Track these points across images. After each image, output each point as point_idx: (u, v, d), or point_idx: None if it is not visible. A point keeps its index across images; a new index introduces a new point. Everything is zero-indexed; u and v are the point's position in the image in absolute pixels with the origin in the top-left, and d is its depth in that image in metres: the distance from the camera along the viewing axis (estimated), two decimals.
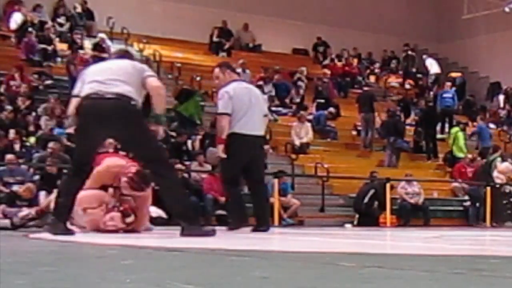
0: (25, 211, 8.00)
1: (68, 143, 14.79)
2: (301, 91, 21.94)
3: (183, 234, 5.93)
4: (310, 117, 20.09)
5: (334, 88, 23.15)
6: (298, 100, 21.56)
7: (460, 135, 20.57)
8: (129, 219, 6.91)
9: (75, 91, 6.44)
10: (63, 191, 6.43)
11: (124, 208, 6.96)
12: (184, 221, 6.07)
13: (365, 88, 21.88)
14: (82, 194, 6.76)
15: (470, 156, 19.79)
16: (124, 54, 6.92)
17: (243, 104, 7.93)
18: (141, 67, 6.48)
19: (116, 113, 6.02)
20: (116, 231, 6.93)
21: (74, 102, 6.36)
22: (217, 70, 8.32)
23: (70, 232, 6.21)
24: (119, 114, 6.03)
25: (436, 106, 22.20)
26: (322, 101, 21.33)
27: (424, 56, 27.04)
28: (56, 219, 6.30)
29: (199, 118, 18.00)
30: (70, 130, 6.54)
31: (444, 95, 23.13)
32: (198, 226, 6.26)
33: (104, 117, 6.02)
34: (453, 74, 26.31)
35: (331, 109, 20.87)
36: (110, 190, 7.15)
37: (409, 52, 27.46)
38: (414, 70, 27.34)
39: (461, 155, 20.10)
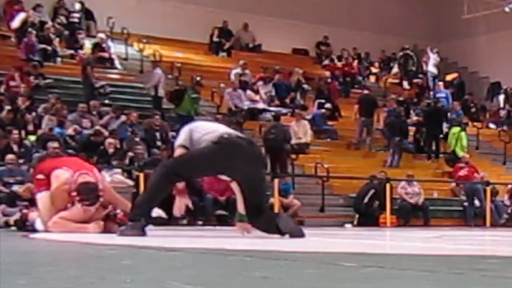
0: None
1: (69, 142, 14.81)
2: (309, 94, 21.92)
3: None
4: (309, 117, 20.05)
5: (337, 88, 23.07)
6: (302, 102, 21.51)
7: (463, 135, 20.51)
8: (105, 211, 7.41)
9: (183, 142, 6.37)
10: (155, 190, 6.33)
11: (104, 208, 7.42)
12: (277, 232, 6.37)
13: (366, 92, 21.69)
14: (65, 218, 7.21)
15: (467, 156, 19.73)
16: None
17: None
18: None
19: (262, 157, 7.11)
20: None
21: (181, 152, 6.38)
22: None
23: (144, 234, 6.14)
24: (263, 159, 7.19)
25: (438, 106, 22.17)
26: (323, 101, 21.29)
27: (428, 49, 26.94)
28: (137, 217, 6.23)
29: (195, 112, 17.94)
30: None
31: (437, 95, 23.17)
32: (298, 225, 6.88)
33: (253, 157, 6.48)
34: (449, 77, 26.28)
35: (328, 105, 20.80)
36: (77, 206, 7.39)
37: (408, 52, 27.39)
38: (413, 69, 27.26)
39: (462, 155, 20.06)
